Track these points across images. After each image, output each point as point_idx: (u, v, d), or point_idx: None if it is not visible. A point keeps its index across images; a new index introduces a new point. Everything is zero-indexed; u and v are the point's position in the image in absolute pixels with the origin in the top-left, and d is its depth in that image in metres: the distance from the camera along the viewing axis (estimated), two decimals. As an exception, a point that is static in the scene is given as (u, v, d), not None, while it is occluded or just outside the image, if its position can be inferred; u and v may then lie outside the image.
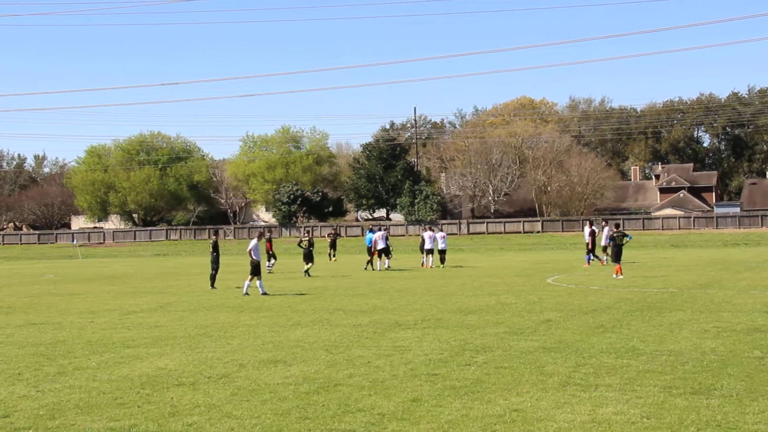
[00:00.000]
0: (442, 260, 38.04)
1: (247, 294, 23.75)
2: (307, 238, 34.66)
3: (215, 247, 27.94)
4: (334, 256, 44.83)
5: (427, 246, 37.86)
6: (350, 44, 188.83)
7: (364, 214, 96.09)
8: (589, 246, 36.18)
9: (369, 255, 37.87)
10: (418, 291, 24.23)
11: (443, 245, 38.36)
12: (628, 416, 8.26)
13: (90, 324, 17.49)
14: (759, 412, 8.32)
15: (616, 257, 28.75)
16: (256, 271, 24.03)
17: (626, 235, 29.84)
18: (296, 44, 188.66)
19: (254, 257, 24.11)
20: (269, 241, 37.56)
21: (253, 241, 24.63)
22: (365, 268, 36.62)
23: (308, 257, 33.01)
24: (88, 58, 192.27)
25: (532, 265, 37.30)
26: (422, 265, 38.28)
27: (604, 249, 36.16)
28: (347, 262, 43.88)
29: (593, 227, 37.09)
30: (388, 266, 36.85)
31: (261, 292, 23.81)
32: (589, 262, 35.96)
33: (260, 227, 75.71)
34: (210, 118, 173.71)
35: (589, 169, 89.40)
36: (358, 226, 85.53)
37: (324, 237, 67.36)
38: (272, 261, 37.30)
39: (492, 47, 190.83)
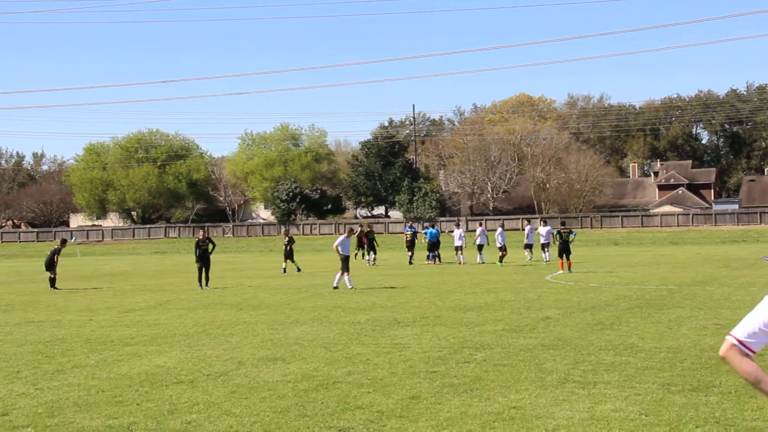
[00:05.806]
0: (501, 258, 35.29)
1: (336, 287, 24.15)
2: (359, 230, 37.06)
3: (199, 244, 26.64)
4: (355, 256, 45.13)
5: (456, 243, 38.52)
6: (349, 41, 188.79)
7: (362, 212, 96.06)
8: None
9: (433, 250, 39.44)
10: (417, 288, 24.23)
11: (501, 241, 35.64)
12: (626, 413, 8.26)
13: (89, 322, 17.48)
14: (757, 409, 8.32)
15: (562, 253, 30.35)
16: (346, 266, 24.50)
17: (572, 232, 31.31)
18: (295, 42, 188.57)
19: (342, 252, 24.61)
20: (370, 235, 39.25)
21: (342, 237, 25.32)
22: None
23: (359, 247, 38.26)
24: (86, 55, 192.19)
25: (531, 262, 37.26)
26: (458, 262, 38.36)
27: (543, 247, 37.58)
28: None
29: (533, 226, 39.96)
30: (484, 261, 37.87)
31: (349, 287, 24.25)
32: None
33: (357, 223, 74.06)
34: (209, 116, 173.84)
35: (587, 166, 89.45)
36: (356, 223, 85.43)
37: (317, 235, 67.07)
38: (373, 255, 39.04)
39: (490, 44, 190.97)
